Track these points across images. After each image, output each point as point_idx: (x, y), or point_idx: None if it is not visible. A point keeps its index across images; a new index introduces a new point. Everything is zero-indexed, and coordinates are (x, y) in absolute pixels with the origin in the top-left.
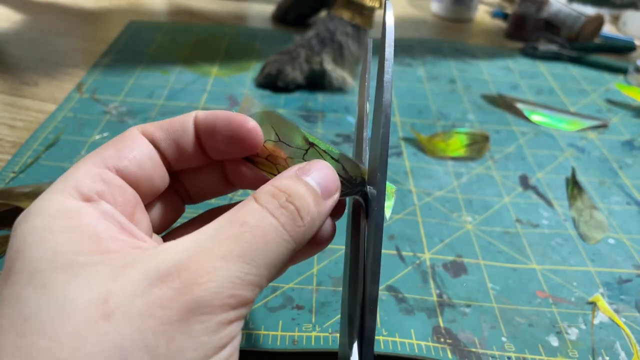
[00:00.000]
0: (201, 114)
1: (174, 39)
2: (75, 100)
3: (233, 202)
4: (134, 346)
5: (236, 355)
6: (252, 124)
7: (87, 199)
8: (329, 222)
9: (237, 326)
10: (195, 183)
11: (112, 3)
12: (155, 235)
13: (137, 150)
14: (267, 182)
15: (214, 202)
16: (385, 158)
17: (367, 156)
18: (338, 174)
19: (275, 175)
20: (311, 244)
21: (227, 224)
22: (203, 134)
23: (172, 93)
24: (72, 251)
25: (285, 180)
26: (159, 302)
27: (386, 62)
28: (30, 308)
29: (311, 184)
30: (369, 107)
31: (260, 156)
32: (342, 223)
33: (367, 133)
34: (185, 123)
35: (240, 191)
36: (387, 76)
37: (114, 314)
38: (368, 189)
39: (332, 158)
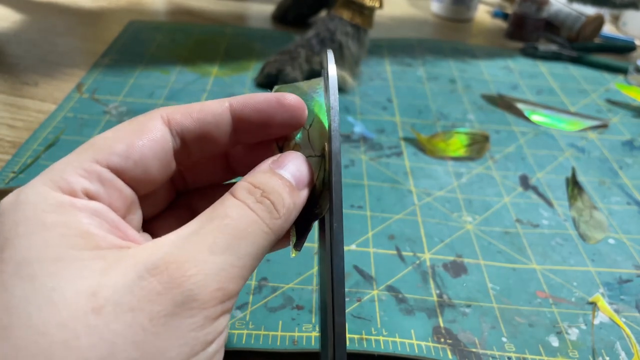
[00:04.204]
0: (236, 102)
1: (174, 39)
2: (75, 100)
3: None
4: (124, 341)
5: (222, 352)
6: (290, 98)
7: (82, 196)
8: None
9: (224, 321)
10: (194, 171)
11: (112, 3)
12: (144, 232)
13: (149, 148)
14: (242, 178)
15: None
16: (339, 207)
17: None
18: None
19: None
20: (285, 236)
21: (209, 219)
22: (239, 121)
23: (172, 93)
24: (63, 245)
25: (259, 175)
26: (149, 297)
27: (332, 111)
28: (16, 298)
29: (285, 176)
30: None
31: (288, 139)
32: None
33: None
34: (219, 115)
35: None
36: (334, 125)
37: (104, 308)
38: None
39: (323, 179)
